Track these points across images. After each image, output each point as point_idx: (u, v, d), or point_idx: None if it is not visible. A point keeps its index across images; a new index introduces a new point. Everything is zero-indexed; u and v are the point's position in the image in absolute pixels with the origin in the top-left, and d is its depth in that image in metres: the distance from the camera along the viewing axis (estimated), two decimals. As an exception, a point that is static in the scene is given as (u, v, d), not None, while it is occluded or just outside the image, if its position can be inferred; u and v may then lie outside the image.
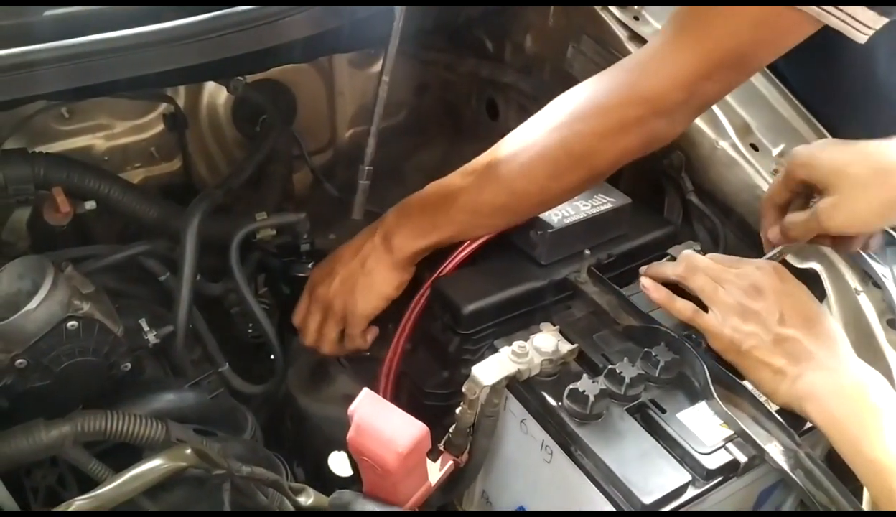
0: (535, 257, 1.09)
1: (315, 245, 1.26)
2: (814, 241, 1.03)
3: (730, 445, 0.88)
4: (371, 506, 0.90)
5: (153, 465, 0.84)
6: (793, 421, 0.88)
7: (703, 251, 1.07)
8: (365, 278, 1.09)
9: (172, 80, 1.27)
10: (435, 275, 1.08)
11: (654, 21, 1.29)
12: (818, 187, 0.98)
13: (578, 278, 1.07)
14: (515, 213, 1.07)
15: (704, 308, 0.96)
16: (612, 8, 1.30)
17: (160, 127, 1.37)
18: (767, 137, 1.18)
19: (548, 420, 0.92)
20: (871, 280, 1.03)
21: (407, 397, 1.11)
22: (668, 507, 0.84)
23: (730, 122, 1.18)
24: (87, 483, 0.89)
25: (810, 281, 1.00)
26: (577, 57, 1.37)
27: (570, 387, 0.90)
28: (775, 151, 1.17)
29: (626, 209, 1.14)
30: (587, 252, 1.06)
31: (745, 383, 0.93)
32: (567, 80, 1.36)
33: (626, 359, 0.94)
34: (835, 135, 1.16)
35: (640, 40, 1.27)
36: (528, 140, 1.02)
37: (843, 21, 0.84)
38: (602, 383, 0.90)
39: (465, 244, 1.08)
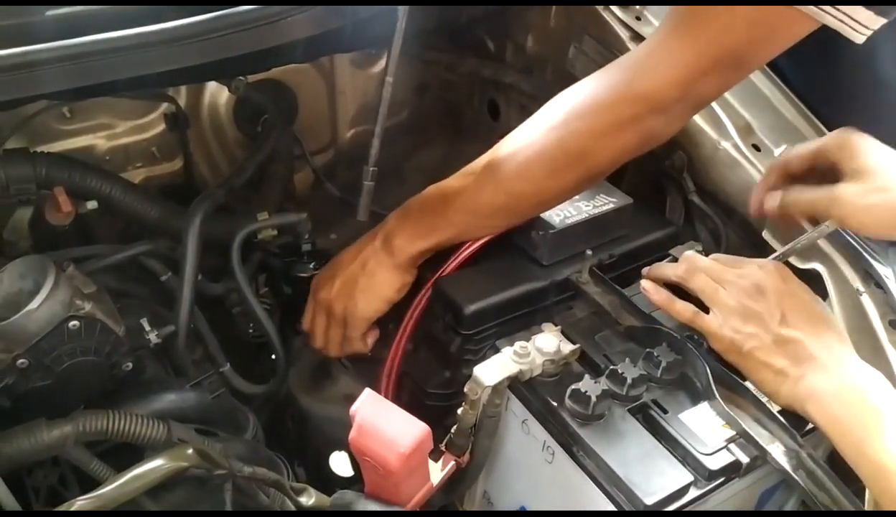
0: (536, 257, 1.09)
1: (316, 245, 1.26)
2: (791, 224, 1.03)
3: (732, 446, 0.88)
4: (373, 507, 0.90)
5: (155, 465, 0.84)
6: (795, 421, 0.88)
7: (705, 252, 1.07)
8: (366, 281, 1.09)
9: (174, 80, 1.27)
10: (437, 276, 1.08)
11: (655, 21, 1.29)
12: (844, 173, 0.95)
13: (580, 278, 1.07)
14: (515, 213, 1.07)
15: (706, 309, 0.96)
16: (614, 8, 1.30)
17: (161, 127, 1.37)
18: (769, 138, 1.18)
19: (549, 420, 0.92)
20: (873, 281, 1.03)
21: (408, 397, 1.11)
22: (670, 508, 0.84)
23: (732, 123, 1.18)
24: (89, 483, 0.89)
25: (812, 281, 1.00)
26: (578, 57, 1.37)
27: (572, 387, 0.90)
28: (777, 152, 1.17)
29: (627, 209, 1.14)
30: (589, 252, 1.06)
31: (747, 384, 0.93)
32: (569, 81, 1.36)
33: (627, 359, 0.94)
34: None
35: (641, 40, 1.26)
36: (526, 140, 1.02)
37: (841, 21, 0.84)
38: (604, 384, 0.90)
39: (467, 244, 1.08)
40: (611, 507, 0.86)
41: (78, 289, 0.93)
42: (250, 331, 1.26)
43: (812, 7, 0.84)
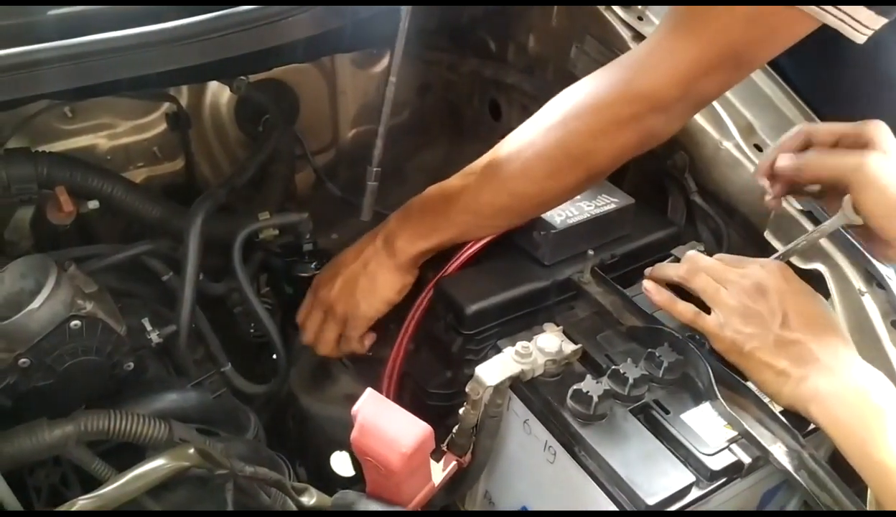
0: (538, 258, 1.09)
1: (317, 245, 1.26)
2: (795, 190, 1.01)
3: (734, 446, 0.88)
4: (374, 507, 0.90)
5: (156, 465, 0.84)
6: (797, 422, 0.88)
7: (707, 252, 1.07)
8: (367, 281, 1.09)
9: (175, 80, 1.27)
10: (438, 276, 1.08)
11: (657, 21, 1.28)
12: (874, 149, 0.93)
13: (582, 279, 1.07)
14: (516, 213, 1.06)
15: (707, 309, 0.96)
16: (616, 8, 1.30)
17: (163, 126, 1.37)
18: (771, 138, 1.18)
19: (551, 420, 0.92)
20: (875, 281, 1.03)
21: (410, 397, 1.11)
22: (672, 508, 0.84)
23: (734, 123, 1.18)
24: (90, 482, 0.89)
25: (814, 281, 1.00)
26: (580, 57, 1.37)
27: (574, 387, 0.90)
28: (779, 152, 1.17)
29: (629, 209, 1.14)
30: (590, 252, 1.06)
31: (749, 384, 0.93)
32: (570, 81, 1.35)
33: (629, 359, 0.94)
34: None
35: (643, 40, 1.27)
36: (527, 140, 1.02)
37: (842, 20, 0.84)
38: (606, 384, 0.90)
39: (469, 244, 1.08)
40: (612, 508, 0.86)
41: (79, 289, 0.93)
42: (251, 330, 1.26)
43: (813, 7, 0.83)
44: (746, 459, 0.87)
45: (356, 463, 1.13)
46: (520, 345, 0.93)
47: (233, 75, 1.28)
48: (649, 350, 0.95)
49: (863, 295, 1.01)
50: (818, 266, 1.06)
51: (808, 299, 0.94)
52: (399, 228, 1.08)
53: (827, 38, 0.86)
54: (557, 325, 1.02)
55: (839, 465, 0.85)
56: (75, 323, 0.91)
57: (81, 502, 0.80)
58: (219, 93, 1.39)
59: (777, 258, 1.02)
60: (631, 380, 0.90)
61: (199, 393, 1.10)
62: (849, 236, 1.04)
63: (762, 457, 0.87)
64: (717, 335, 0.94)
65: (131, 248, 1.15)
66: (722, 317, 0.93)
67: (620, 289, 1.05)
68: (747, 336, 0.91)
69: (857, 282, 1.02)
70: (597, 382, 0.90)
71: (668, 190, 1.27)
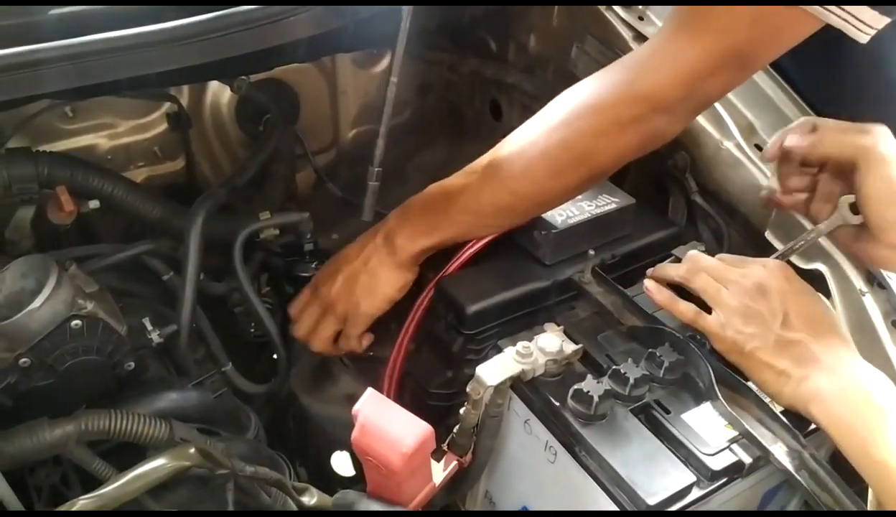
0: (539, 257, 1.09)
1: (318, 245, 1.26)
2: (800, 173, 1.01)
3: (734, 446, 0.88)
4: (375, 506, 0.90)
5: (157, 465, 0.84)
6: (797, 422, 0.88)
7: (708, 252, 1.07)
8: (368, 279, 1.09)
9: (176, 80, 1.27)
10: (439, 276, 1.08)
11: (658, 21, 1.28)
12: None
13: (582, 278, 1.07)
14: (517, 213, 1.06)
15: (709, 309, 0.96)
16: (617, 8, 1.30)
17: (164, 126, 1.37)
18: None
19: (552, 420, 0.92)
20: (876, 281, 1.03)
21: (410, 397, 1.11)
22: (672, 508, 0.84)
23: (734, 123, 1.18)
24: (91, 482, 0.89)
25: (815, 281, 1.00)
26: (581, 57, 1.37)
27: (575, 387, 0.90)
28: (780, 152, 1.17)
29: (630, 209, 1.14)
30: (591, 252, 1.06)
31: (750, 384, 0.93)
32: (571, 81, 1.35)
33: (630, 359, 0.94)
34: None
35: (644, 40, 1.27)
36: (529, 140, 1.02)
37: (845, 20, 0.84)
38: (606, 384, 0.90)
39: (469, 244, 1.08)
40: (613, 508, 0.86)
41: (80, 289, 0.93)
42: (252, 330, 1.26)
43: (816, 7, 0.83)
44: (747, 459, 0.87)
45: (357, 463, 1.13)
46: (520, 345, 0.93)
47: (233, 75, 1.28)
48: (650, 350, 0.95)
49: (864, 295, 1.01)
50: (819, 266, 1.06)
51: (809, 299, 0.94)
52: (400, 226, 1.08)
53: (828, 37, 0.86)
54: (558, 325, 1.02)
55: (840, 465, 0.85)
56: (76, 322, 0.91)
57: (82, 502, 0.80)
58: (219, 92, 1.39)
59: (777, 257, 1.02)
60: (632, 380, 0.90)
61: (199, 392, 1.10)
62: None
63: (763, 457, 0.87)
64: (718, 335, 0.93)
65: (132, 248, 1.15)
66: (723, 317, 0.93)
67: (621, 289, 1.05)
68: (748, 336, 0.91)
69: (858, 282, 1.03)
70: (597, 382, 0.90)
71: (668, 190, 1.27)
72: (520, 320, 1.05)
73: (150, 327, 1.08)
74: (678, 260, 1.04)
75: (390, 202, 1.16)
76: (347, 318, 1.11)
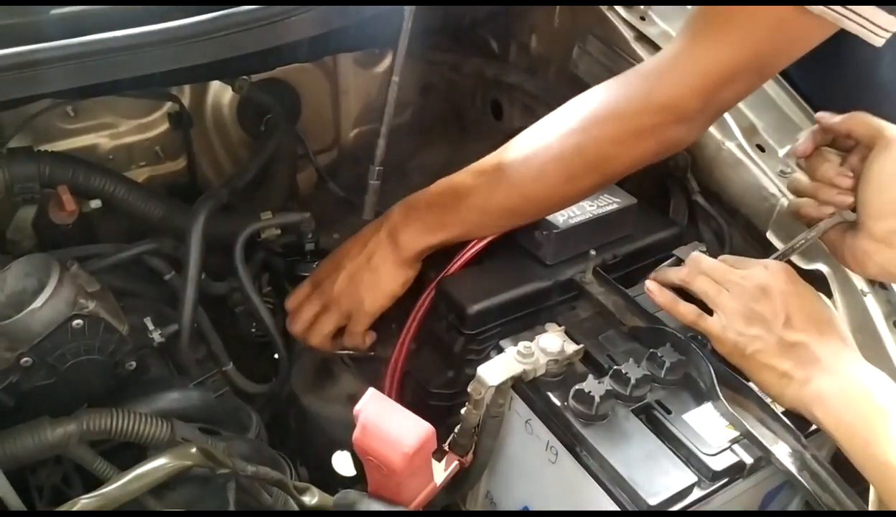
0: (540, 257, 1.09)
1: (319, 244, 1.26)
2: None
3: (736, 447, 0.88)
4: (376, 506, 0.90)
5: (158, 464, 0.84)
6: (799, 422, 0.88)
7: (710, 252, 1.07)
8: (371, 275, 1.08)
9: (177, 80, 1.27)
10: (440, 276, 1.08)
11: (660, 21, 1.29)
12: None
13: (584, 279, 1.07)
14: (526, 214, 1.06)
15: (710, 311, 0.96)
16: (619, 8, 1.30)
17: (165, 126, 1.37)
18: (774, 138, 1.18)
19: (553, 420, 0.92)
20: (877, 281, 1.03)
21: (412, 397, 1.11)
22: (673, 508, 0.84)
23: (736, 123, 1.18)
24: (92, 482, 0.89)
25: (816, 282, 1.00)
26: (582, 57, 1.37)
27: (576, 387, 0.90)
28: (781, 152, 1.17)
29: (631, 210, 1.14)
30: (592, 252, 1.06)
31: (751, 384, 0.92)
32: (572, 81, 1.37)
33: (631, 359, 0.93)
34: (841, 136, 1.15)
35: (646, 41, 1.27)
36: (543, 143, 1.01)
37: (861, 25, 0.84)
38: (607, 384, 0.90)
39: (471, 244, 1.08)
40: (614, 508, 0.86)
41: (82, 288, 0.93)
42: (253, 330, 1.26)
43: (833, 12, 0.83)
44: (748, 460, 0.87)
45: (358, 462, 1.13)
46: (522, 345, 0.93)
47: (235, 75, 1.28)
48: (651, 350, 0.95)
49: (865, 295, 1.02)
50: (820, 266, 1.06)
51: (811, 300, 0.93)
52: (404, 222, 1.08)
53: (831, 38, 0.87)
54: (559, 325, 1.02)
55: (841, 466, 0.85)
56: (77, 322, 0.91)
57: (83, 501, 0.80)
58: (221, 92, 1.39)
59: (776, 258, 1.02)
60: (633, 381, 0.90)
61: (200, 392, 1.10)
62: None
63: (764, 458, 0.87)
64: (720, 337, 0.93)
65: (133, 248, 1.16)
66: (724, 320, 0.93)
67: (622, 289, 1.05)
68: (750, 338, 0.91)
69: (860, 282, 1.03)
70: (599, 382, 0.90)
71: (670, 190, 1.27)
72: (521, 320, 1.05)
73: (151, 327, 1.08)
74: (679, 260, 1.04)
75: (391, 202, 1.15)
76: (351, 315, 1.11)
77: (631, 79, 0.99)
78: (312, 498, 0.92)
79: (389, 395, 1.09)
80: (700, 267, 0.97)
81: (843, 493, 0.83)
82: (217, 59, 0.93)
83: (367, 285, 1.08)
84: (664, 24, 1.28)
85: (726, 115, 1.18)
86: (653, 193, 1.26)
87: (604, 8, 1.31)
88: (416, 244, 1.06)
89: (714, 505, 0.87)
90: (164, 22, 0.88)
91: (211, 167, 1.44)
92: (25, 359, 0.90)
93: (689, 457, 0.87)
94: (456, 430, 0.95)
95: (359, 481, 1.10)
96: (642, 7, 1.30)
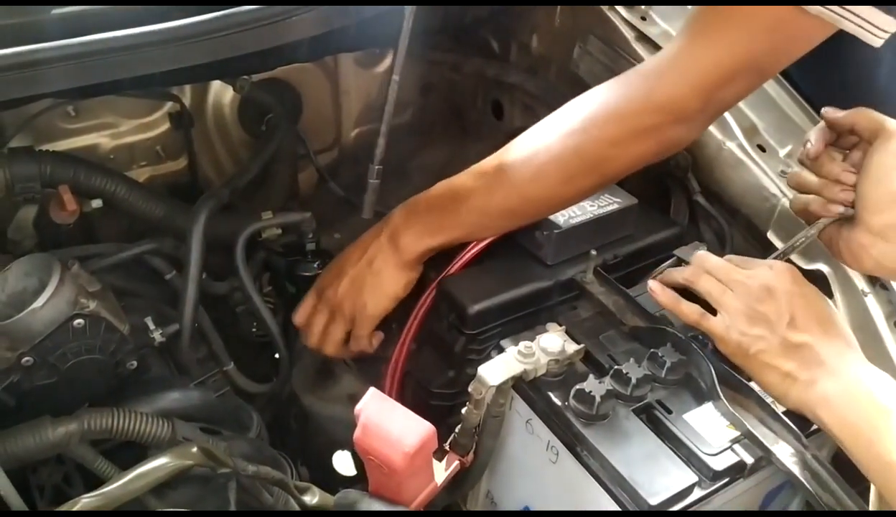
0: (541, 257, 1.09)
1: (320, 244, 1.26)
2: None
3: (736, 446, 0.88)
4: (377, 506, 0.90)
5: (159, 464, 0.84)
6: (800, 422, 0.88)
7: (710, 252, 1.07)
8: (373, 279, 1.09)
9: (178, 79, 1.27)
10: (441, 276, 1.08)
11: (661, 21, 1.28)
12: None
13: (584, 278, 1.07)
14: (525, 215, 1.07)
15: (714, 311, 0.95)
16: (619, 8, 1.30)
17: (166, 126, 1.37)
18: (774, 138, 1.18)
19: (553, 420, 0.92)
20: (878, 281, 1.03)
21: (412, 397, 1.11)
22: (674, 508, 0.84)
23: (737, 123, 1.18)
24: (93, 481, 0.89)
25: (817, 282, 1.00)
26: (583, 57, 1.37)
27: (577, 387, 0.90)
28: (782, 152, 1.17)
29: (632, 210, 1.14)
30: (593, 252, 1.06)
31: (752, 384, 0.92)
32: (573, 81, 1.37)
33: (632, 359, 0.93)
34: (841, 136, 1.15)
35: (647, 41, 1.27)
36: (542, 144, 1.01)
37: (859, 25, 0.84)
38: (608, 384, 0.90)
39: (472, 244, 1.08)
40: (615, 508, 0.86)
41: (83, 288, 0.93)
42: (254, 330, 1.26)
43: (831, 13, 0.83)
44: (749, 459, 0.87)
45: (358, 462, 1.13)
46: (522, 344, 0.93)
47: (236, 75, 1.28)
48: (652, 350, 0.95)
49: (866, 295, 1.01)
50: (821, 266, 1.06)
51: (815, 301, 0.93)
52: (405, 225, 1.08)
53: (831, 38, 0.87)
54: (560, 325, 1.02)
55: (842, 466, 0.85)
56: (78, 321, 0.92)
57: (84, 501, 0.80)
58: (222, 92, 1.39)
59: (777, 256, 1.02)
60: (633, 380, 0.90)
61: (201, 392, 1.10)
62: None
63: (765, 458, 0.87)
64: (723, 337, 0.93)
65: (134, 247, 1.16)
66: (728, 320, 0.92)
67: (623, 289, 1.05)
68: (753, 338, 0.90)
69: (860, 282, 1.03)
70: (599, 382, 0.90)
71: (670, 190, 1.27)
72: (522, 320, 1.05)
73: (152, 326, 1.08)
74: (680, 260, 1.03)
75: (392, 202, 1.15)
76: (355, 320, 1.11)
77: (631, 79, 0.99)
78: (313, 497, 0.92)
79: (390, 395, 1.09)
80: (705, 266, 0.97)
81: (844, 493, 0.83)
82: (218, 58, 0.93)
83: (370, 289, 1.09)
84: (665, 24, 1.28)
85: (727, 115, 1.18)
86: (653, 193, 1.26)
87: (605, 8, 1.31)
88: (417, 246, 1.06)
89: (714, 505, 0.87)
90: (165, 22, 0.88)
91: (212, 167, 1.44)
92: (26, 358, 0.90)
93: (689, 457, 0.87)
94: (457, 430, 0.95)
95: (360, 481, 1.09)
96: (643, 7, 1.30)
